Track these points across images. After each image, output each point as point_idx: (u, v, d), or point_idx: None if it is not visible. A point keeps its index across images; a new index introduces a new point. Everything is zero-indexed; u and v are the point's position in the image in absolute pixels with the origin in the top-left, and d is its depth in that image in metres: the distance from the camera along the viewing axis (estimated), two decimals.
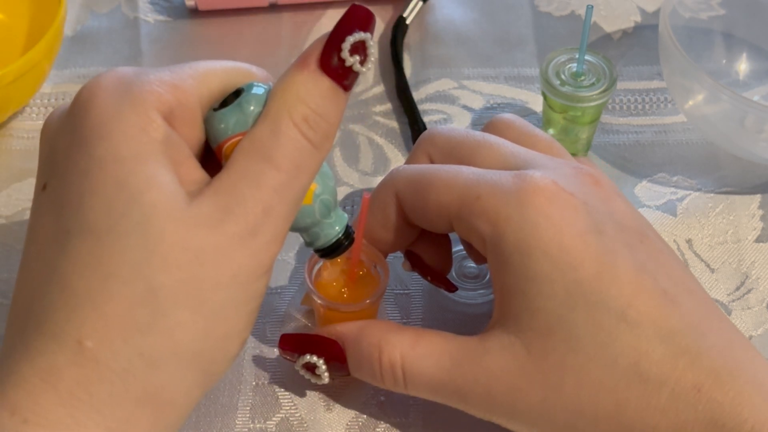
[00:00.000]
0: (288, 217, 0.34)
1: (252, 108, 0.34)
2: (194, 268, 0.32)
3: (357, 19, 0.34)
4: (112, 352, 0.31)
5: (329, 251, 0.39)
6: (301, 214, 0.37)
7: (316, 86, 0.33)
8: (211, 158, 0.35)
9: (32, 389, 0.30)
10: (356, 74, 0.34)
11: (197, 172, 0.33)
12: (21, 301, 0.33)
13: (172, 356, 0.32)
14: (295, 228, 0.37)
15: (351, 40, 0.33)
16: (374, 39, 0.34)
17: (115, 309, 0.31)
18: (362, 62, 0.34)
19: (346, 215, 0.39)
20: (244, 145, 0.33)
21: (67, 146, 0.33)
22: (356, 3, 0.34)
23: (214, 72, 0.35)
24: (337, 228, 0.38)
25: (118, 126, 0.32)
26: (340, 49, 0.33)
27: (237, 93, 0.35)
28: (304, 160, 0.33)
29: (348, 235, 0.39)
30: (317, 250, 0.39)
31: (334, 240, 0.39)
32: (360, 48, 0.34)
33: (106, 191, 0.31)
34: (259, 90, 0.34)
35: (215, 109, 0.35)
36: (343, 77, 0.34)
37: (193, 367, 0.33)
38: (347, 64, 0.33)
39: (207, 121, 0.35)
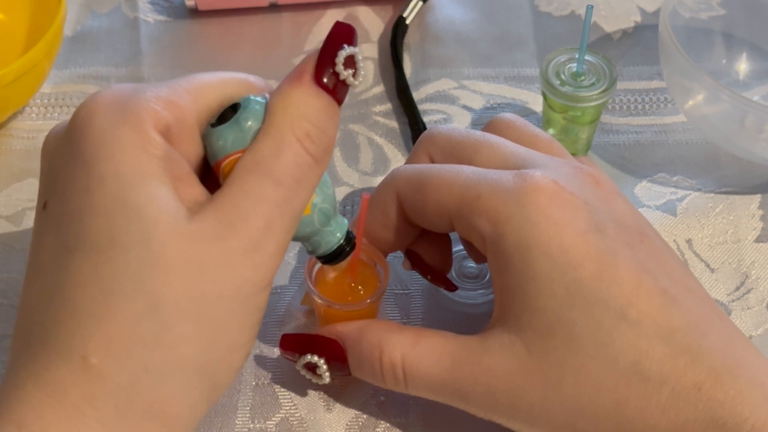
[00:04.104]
0: (289, 231, 0.34)
1: (250, 124, 0.34)
2: (197, 282, 0.32)
3: (343, 35, 0.34)
4: (117, 366, 0.31)
5: (331, 258, 0.39)
6: (301, 224, 0.37)
7: (317, 102, 0.34)
8: (211, 173, 0.35)
9: (38, 404, 0.31)
10: (348, 88, 0.35)
11: (197, 189, 0.34)
12: (25, 318, 0.33)
13: (176, 370, 0.32)
14: (295, 238, 0.37)
15: (344, 54, 0.34)
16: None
17: (119, 324, 0.31)
18: (354, 75, 0.34)
19: (346, 221, 0.39)
20: (246, 162, 0.33)
21: (66, 165, 0.33)
22: (339, 21, 0.35)
23: (211, 85, 0.35)
24: (338, 235, 0.39)
25: (117, 144, 0.32)
26: (334, 64, 0.34)
27: (234, 107, 0.35)
28: (305, 174, 0.34)
29: (349, 240, 0.39)
30: (319, 257, 0.39)
31: (335, 247, 0.39)
32: (350, 62, 0.34)
33: (107, 207, 0.31)
34: (256, 105, 0.34)
35: (213, 125, 0.35)
36: (337, 91, 0.34)
37: (197, 380, 0.33)
38: (341, 77, 0.34)
39: (205, 138, 0.35)
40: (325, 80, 0.34)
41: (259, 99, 0.35)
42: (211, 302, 0.32)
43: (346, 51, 0.34)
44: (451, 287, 0.44)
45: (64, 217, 0.32)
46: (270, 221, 0.33)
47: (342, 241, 0.39)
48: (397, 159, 0.54)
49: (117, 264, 0.31)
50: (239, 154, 0.34)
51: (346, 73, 0.34)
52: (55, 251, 0.32)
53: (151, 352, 0.31)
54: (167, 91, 0.34)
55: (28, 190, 0.52)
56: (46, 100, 0.58)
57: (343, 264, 0.41)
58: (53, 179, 0.34)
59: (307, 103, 0.34)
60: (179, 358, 0.32)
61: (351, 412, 0.43)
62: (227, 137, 0.34)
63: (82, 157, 0.32)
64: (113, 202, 0.31)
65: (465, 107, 0.57)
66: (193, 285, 0.32)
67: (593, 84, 0.49)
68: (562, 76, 0.50)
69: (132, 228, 0.31)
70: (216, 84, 0.35)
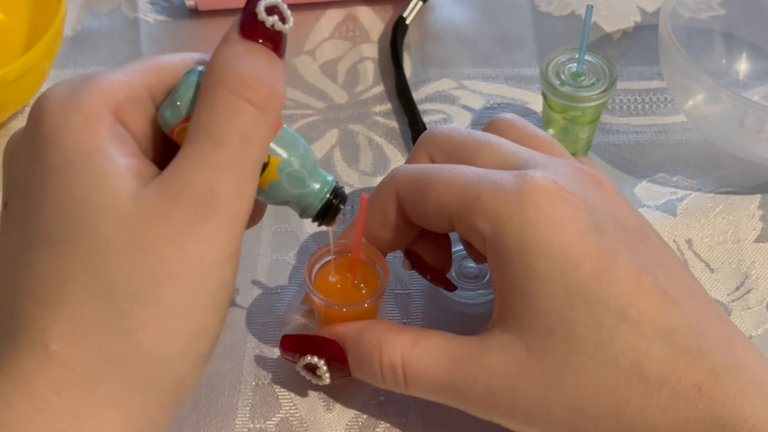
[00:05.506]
0: (242, 193, 0.33)
1: (182, 92, 0.34)
2: (147, 264, 0.31)
3: None
4: (77, 354, 0.31)
5: (319, 217, 0.38)
6: (273, 190, 0.36)
7: (247, 52, 0.33)
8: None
9: (5, 396, 0.31)
10: (280, 35, 0.34)
11: (146, 167, 0.33)
12: None
13: (135, 358, 0.31)
14: (275, 203, 0.37)
15: (263, 4, 0.33)
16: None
17: (77, 312, 0.31)
18: (282, 21, 0.34)
19: (330, 177, 0.37)
20: (189, 131, 0.33)
21: (24, 161, 0.33)
22: None
23: (165, 66, 0.35)
24: (322, 192, 0.37)
25: (66, 130, 0.32)
26: (255, 14, 0.33)
27: None
28: (248, 127, 0.32)
29: (337, 194, 0.37)
30: (310, 218, 0.38)
31: (319, 207, 0.37)
32: (274, 10, 0.34)
33: (58, 199, 0.32)
34: (192, 75, 0.34)
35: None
36: (270, 41, 0.33)
37: (161, 369, 0.32)
38: (267, 24, 0.33)
39: (157, 115, 0.35)
40: (252, 31, 0.33)
41: (199, 69, 0.35)
42: (164, 284, 0.31)
43: (266, 1, 0.33)
44: (451, 287, 0.44)
45: (24, 214, 0.33)
46: (215, 186, 0.32)
47: (327, 197, 0.37)
48: (397, 159, 0.54)
49: (71, 254, 0.31)
50: (182, 125, 0.34)
51: (271, 20, 0.33)
52: (17, 247, 0.33)
53: (109, 339, 0.31)
54: (116, 72, 0.34)
55: None
56: None
57: (343, 264, 0.41)
58: (12, 178, 0.34)
59: (237, 55, 0.33)
60: (138, 345, 0.31)
61: (351, 412, 0.43)
62: (167, 110, 0.34)
63: (36, 151, 0.32)
64: (63, 193, 0.32)
65: (465, 107, 0.57)
66: (143, 267, 0.31)
67: (593, 84, 0.49)
68: (562, 76, 0.50)
69: (79, 217, 0.31)
70: (171, 64, 0.35)
